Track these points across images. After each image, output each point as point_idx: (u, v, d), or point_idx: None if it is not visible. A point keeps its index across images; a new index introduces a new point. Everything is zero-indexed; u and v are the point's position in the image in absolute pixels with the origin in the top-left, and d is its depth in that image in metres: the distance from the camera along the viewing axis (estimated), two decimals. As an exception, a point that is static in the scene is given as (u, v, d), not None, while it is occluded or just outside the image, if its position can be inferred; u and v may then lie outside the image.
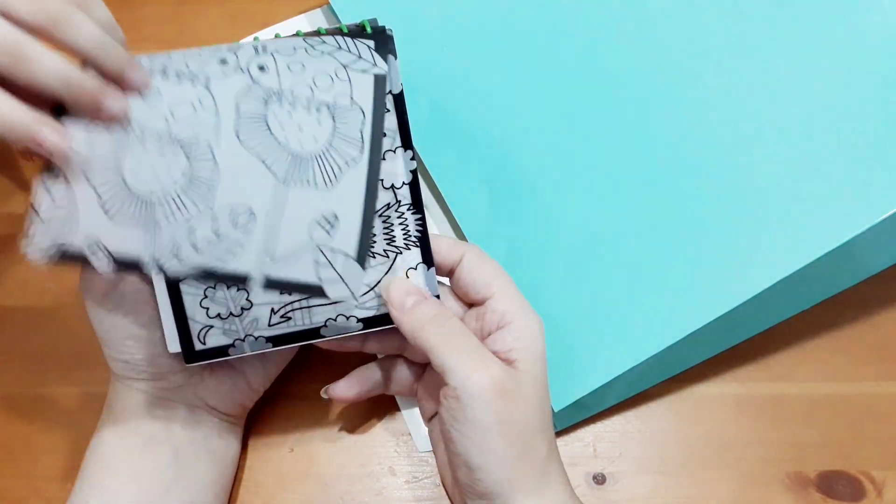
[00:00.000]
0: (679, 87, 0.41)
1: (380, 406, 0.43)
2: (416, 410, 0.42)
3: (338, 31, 0.35)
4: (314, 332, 0.36)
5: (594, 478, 0.41)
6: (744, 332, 0.44)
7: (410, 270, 0.36)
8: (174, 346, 0.36)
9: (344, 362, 0.40)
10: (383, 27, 0.35)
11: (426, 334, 0.34)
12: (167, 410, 0.38)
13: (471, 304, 0.37)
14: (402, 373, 0.40)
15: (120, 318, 0.36)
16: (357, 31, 0.35)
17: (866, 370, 0.44)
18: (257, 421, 0.43)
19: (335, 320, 0.36)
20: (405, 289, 0.35)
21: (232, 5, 0.55)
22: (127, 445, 0.37)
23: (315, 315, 0.36)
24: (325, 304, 0.35)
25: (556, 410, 0.39)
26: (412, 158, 0.35)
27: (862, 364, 0.44)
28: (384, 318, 0.36)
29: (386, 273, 0.36)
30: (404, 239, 0.36)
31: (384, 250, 0.36)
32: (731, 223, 0.38)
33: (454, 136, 0.44)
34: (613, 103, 0.42)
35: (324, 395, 0.39)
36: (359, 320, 0.36)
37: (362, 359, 0.40)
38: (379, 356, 0.41)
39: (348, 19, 0.48)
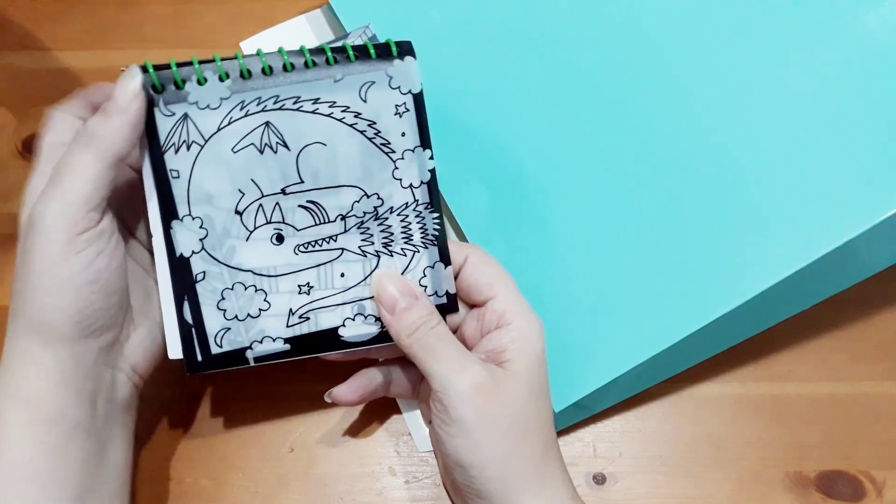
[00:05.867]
0: (679, 87, 0.41)
1: (380, 407, 0.43)
2: (417, 411, 0.42)
3: (365, 51, 0.35)
4: (332, 333, 0.36)
5: (594, 478, 0.41)
6: (744, 332, 0.44)
7: (428, 269, 0.37)
8: (175, 351, 0.36)
9: (344, 363, 0.40)
10: (409, 42, 0.36)
11: (411, 341, 0.34)
12: (88, 381, 0.33)
13: (473, 305, 0.37)
14: (403, 376, 0.40)
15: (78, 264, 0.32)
16: (384, 51, 0.35)
17: (866, 370, 0.44)
18: (257, 421, 0.43)
19: (353, 319, 0.36)
20: (397, 288, 0.35)
21: (232, 5, 0.55)
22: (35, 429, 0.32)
23: (334, 314, 0.36)
24: (345, 304, 0.36)
25: (556, 411, 0.39)
26: (431, 158, 0.36)
27: (862, 364, 0.44)
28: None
29: (403, 272, 0.37)
30: (422, 238, 0.36)
31: (402, 249, 0.36)
32: (731, 223, 0.38)
33: (454, 137, 0.44)
34: (613, 103, 0.42)
35: (327, 399, 0.39)
36: (376, 319, 0.37)
37: (364, 360, 0.40)
38: (380, 359, 0.41)
39: (348, 20, 0.48)
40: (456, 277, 0.37)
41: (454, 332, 0.37)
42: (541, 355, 0.35)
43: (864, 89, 0.38)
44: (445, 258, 0.37)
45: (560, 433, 0.42)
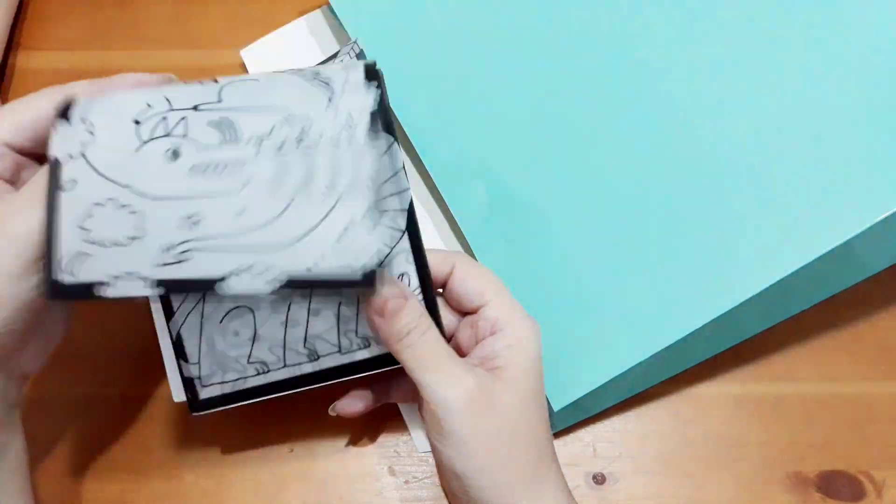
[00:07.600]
0: (677, 88, 0.41)
1: (380, 407, 0.43)
2: (417, 411, 0.42)
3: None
4: (211, 284, 0.30)
5: (594, 478, 0.41)
6: (744, 332, 0.44)
7: (350, 226, 0.31)
8: (179, 395, 0.35)
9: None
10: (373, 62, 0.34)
11: (401, 347, 0.33)
12: None
13: (466, 313, 0.37)
14: (404, 383, 0.40)
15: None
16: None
17: (866, 370, 0.44)
18: (257, 421, 0.43)
19: (238, 276, 0.30)
20: (385, 291, 0.33)
21: (232, 6, 0.55)
22: None
23: (219, 261, 0.30)
24: (237, 252, 0.30)
25: (555, 411, 0.39)
26: (378, 87, 0.31)
27: (862, 364, 0.44)
28: (386, 358, 0.35)
29: (316, 226, 0.30)
30: (350, 182, 0.31)
31: (322, 193, 0.30)
32: (730, 223, 0.38)
33: (454, 137, 0.44)
34: (612, 103, 0.42)
35: (332, 413, 0.38)
36: (281, 281, 0.30)
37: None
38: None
39: (348, 20, 0.48)
40: (444, 287, 0.36)
41: (448, 340, 0.36)
42: (535, 360, 0.35)
43: (863, 89, 0.38)
44: (374, 209, 0.30)
45: (559, 433, 0.42)
